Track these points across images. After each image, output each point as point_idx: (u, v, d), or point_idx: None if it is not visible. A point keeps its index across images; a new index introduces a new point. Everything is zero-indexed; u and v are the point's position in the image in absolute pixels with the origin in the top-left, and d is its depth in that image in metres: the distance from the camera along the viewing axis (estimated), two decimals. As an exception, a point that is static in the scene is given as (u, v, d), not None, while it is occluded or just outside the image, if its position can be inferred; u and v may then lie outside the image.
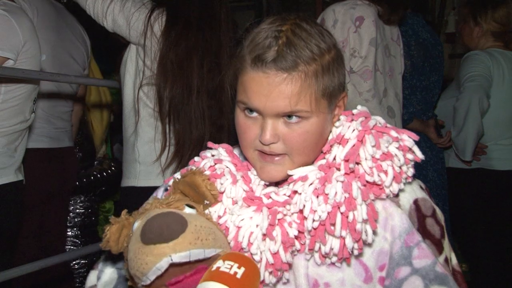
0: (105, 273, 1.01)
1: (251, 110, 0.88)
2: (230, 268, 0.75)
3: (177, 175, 0.95)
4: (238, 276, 0.75)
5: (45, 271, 1.91)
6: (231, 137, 1.02)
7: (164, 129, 1.72)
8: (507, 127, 2.37)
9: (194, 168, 0.93)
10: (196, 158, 0.98)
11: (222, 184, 0.90)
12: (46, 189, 2.17)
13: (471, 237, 2.39)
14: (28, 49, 1.70)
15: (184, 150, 1.71)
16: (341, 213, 0.83)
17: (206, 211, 0.89)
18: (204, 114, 1.73)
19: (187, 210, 0.85)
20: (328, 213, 0.83)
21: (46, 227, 2.18)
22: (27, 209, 1.98)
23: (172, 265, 0.76)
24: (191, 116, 1.71)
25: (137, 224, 0.82)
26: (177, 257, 0.75)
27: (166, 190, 1.00)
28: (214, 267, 0.76)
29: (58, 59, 2.14)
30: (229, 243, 0.86)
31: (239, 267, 0.76)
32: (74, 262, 2.56)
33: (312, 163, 0.93)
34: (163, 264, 0.75)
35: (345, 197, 0.83)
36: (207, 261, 0.79)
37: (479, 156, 2.35)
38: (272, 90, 0.84)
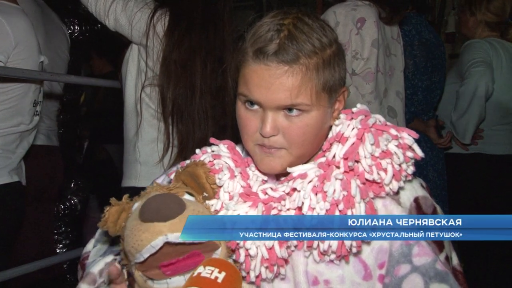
0: (100, 242, 1.03)
1: (252, 103, 0.89)
2: (211, 273, 0.77)
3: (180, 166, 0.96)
4: (219, 280, 0.76)
5: (43, 271, 1.92)
6: (234, 137, 1.02)
7: (167, 130, 1.71)
8: (504, 113, 2.40)
9: (196, 160, 0.94)
10: (197, 151, 0.99)
11: (220, 179, 0.91)
12: (40, 185, 2.18)
13: None
14: (21, 51, 1.67)
15: (187, 151, 1.70)
16: (340, 211, 0.83)
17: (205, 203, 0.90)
18: (207, 115, 1.71)
19: (187, 197, 0.86)
20: (327, 210, 0.83)
21: (40, 224, 2.19)
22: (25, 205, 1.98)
23: (167, 245, 0.78)
24: (194, 116, 1.70)
25: (137, 205, 0.84)
26: (173, 237, 0.77)
27: (169, 183, 1.01)
28: (195, 273, 0.78)
29: (49, 60, 2.13)
30: None
31: (219, 272, 0.77)
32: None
33: (310, 157, 0.93)
34: (158, 242, 0.77)
35: (344, 195, 0.84)
36: (202, 247, 0.80)
37: (476, 140, 2.38)
38: (273, 83, 0.85)
